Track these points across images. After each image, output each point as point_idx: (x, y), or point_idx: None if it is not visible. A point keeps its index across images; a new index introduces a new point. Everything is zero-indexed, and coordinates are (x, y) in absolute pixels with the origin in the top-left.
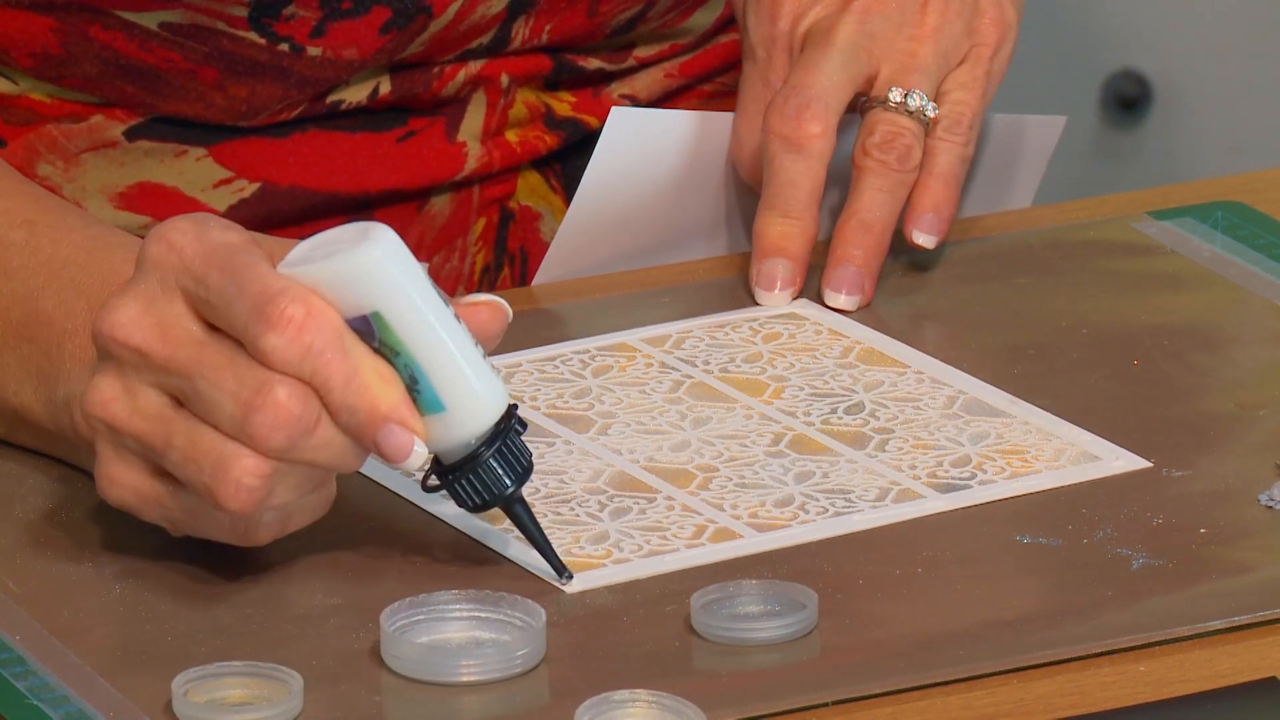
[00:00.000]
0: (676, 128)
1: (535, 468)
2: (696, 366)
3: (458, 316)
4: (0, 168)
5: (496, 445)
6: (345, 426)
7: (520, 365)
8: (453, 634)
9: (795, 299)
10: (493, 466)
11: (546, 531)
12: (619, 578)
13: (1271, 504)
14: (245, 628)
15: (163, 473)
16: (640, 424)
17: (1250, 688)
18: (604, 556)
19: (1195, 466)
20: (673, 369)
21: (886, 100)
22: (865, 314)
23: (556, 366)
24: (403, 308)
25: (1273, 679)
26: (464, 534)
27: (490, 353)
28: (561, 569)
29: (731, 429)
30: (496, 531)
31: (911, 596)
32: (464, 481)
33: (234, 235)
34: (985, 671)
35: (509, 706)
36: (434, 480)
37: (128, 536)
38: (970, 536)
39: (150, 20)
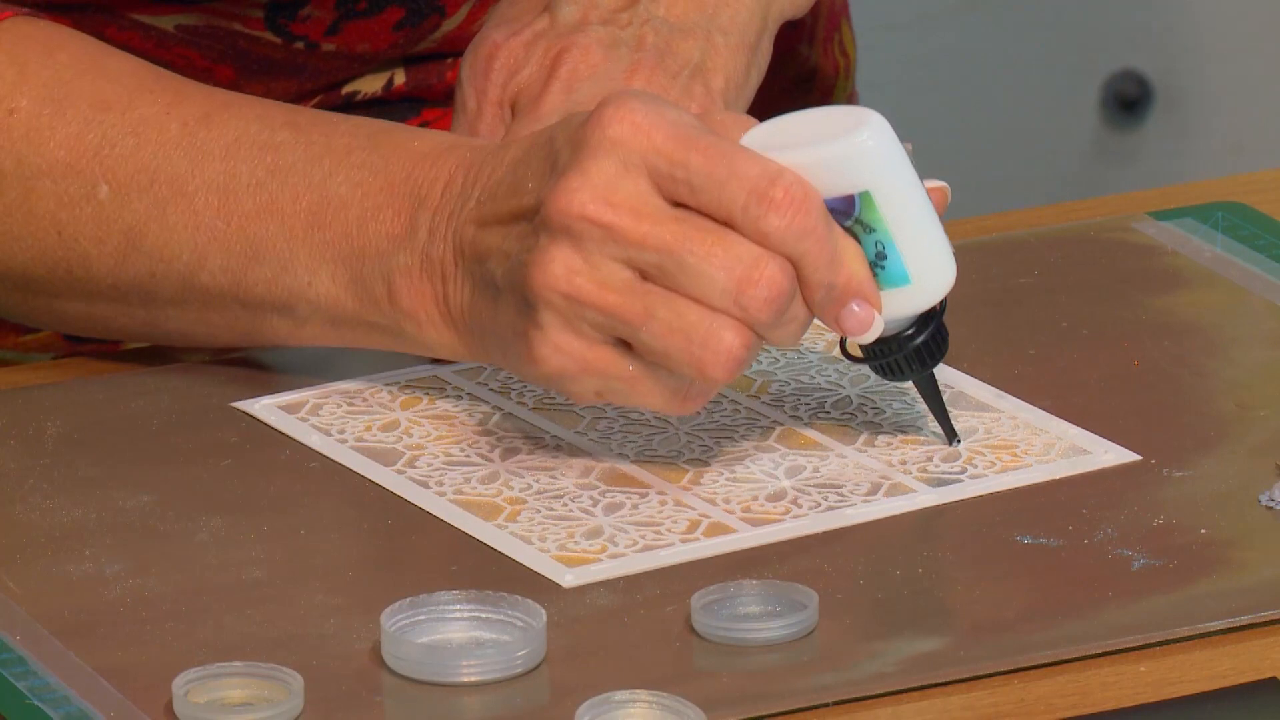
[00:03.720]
0: None
1: (526, 462)
2: None
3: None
4: (227, 94)
5: (930, 328)
6: (816, 302)
7: None
8: (453, 634)
9: None
10: (921, 350)
11: (540, 529)
12: (614, 573)
13: (1271, 504)
14: (245, 628)
15: (611, 341)
16: (628, 419)
17: (1250, 688)
18: (599, 551)
19: (1195, 466)
20: None
21: None
22: None
23: None
24: (893, 188)
25: (1273, 679)
26: (464, 534)
27: None
28: (953, 434)
29: (720, 424)
30: (497, 531)
31: (912, 596)
32: (893, 360)
33: (686, 115)
34: (986, 671)
35: (509, 707)
36: (859, 352)
37: (128, 537)
38: (970, 536)
39: (166, 23)
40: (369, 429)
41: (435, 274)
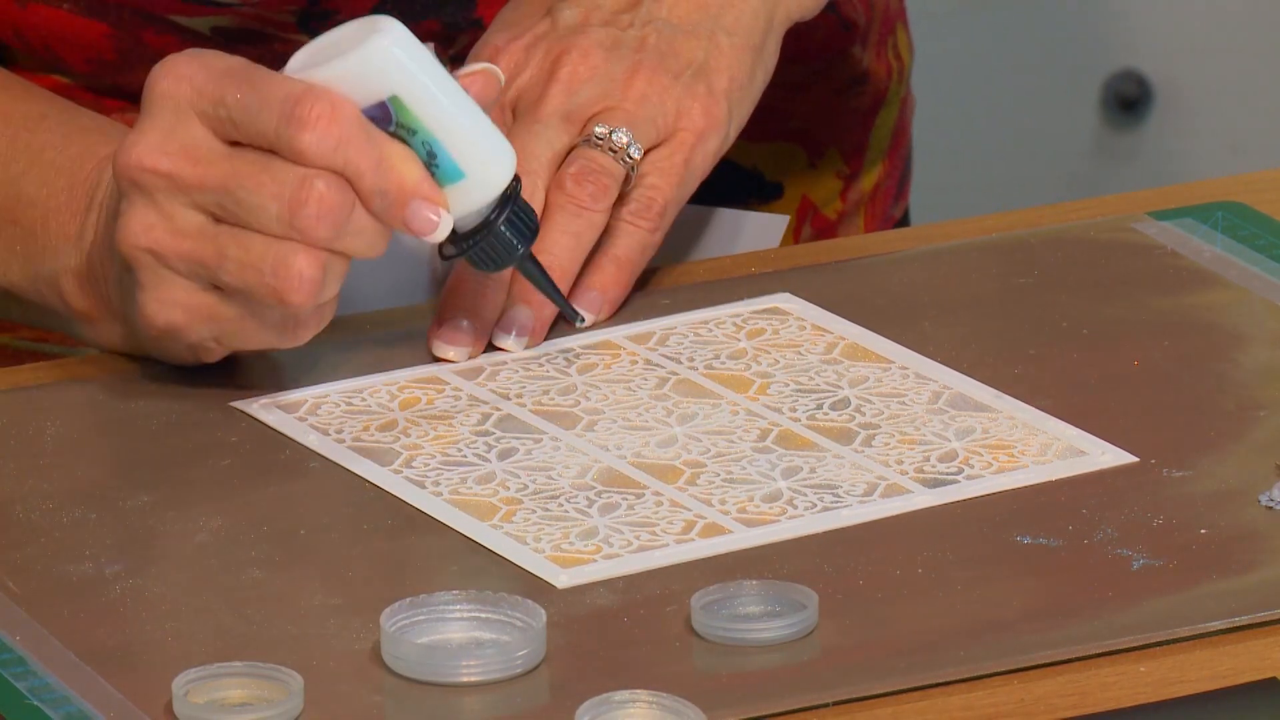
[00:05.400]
0: None
1: (523, 463)
2: (681, 363)
3: (463, 87)
4: None
5: (508, 209)
6: (376, 210)
7: (505, 363)
8: (453, 634)
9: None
10: (505, 230)
11: (535, 529)
12: (609, 573)
13: (1271, 504)
14: (245, 628)
15: (209, 287)
16: (627, 420)
17: (1250, 688)
18: (594, 552)
19: (1195, 466)
20: (658, 365)
21: (591, 137)
22: (854, 311)
23: (541, 364)
24: (419, 87)
25: (1273, 679)
26: (463, 534)
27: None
28: (574, 313)
29: (718, 425)
30: (491, 531)
31: (912, 596)
32: (481, 247)
33: (234, 59)
34: (986, 672)
35: (509, 707)
36: (451, 249)
37: (128, 536)
38: (970, 536)
39: (202, 25)
40: (367, 429)
41: (96, 275)
